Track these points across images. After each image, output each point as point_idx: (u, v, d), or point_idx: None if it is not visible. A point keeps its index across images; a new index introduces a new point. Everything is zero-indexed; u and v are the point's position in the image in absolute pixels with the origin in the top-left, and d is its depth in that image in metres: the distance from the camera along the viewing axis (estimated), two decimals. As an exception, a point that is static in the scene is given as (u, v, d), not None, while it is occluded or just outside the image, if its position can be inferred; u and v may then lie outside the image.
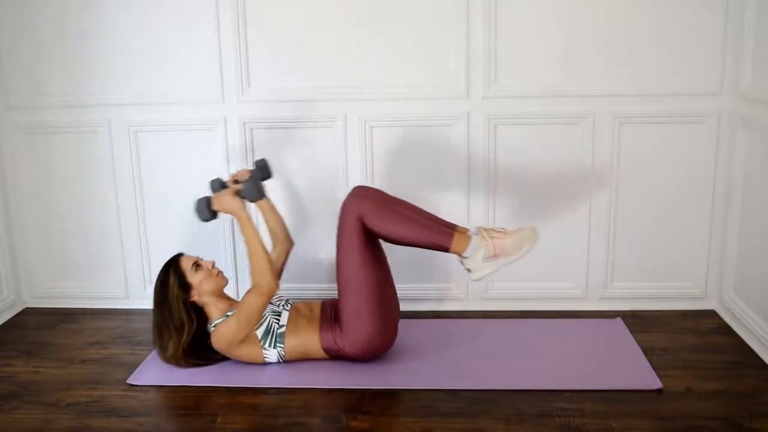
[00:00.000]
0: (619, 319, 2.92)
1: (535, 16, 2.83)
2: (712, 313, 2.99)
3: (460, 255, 2.47)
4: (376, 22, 2.88)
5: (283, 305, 2.66)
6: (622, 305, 3.05)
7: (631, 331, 2.81)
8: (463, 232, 2.53)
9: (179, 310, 2.55)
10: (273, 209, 2.83)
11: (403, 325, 2.72)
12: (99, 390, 2.51)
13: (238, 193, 2.60)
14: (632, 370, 2.52)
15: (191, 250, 2.77)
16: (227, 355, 2.59)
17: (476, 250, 2.44)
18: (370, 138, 2.99)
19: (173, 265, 2.60)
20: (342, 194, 3.02)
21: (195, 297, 2.58)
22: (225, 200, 2.57)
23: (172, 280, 2.57)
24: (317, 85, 2.95)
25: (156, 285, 2.60)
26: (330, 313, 2.60)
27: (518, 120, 2.92)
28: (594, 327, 2.88)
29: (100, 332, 2.99)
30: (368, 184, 3.01)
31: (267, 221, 2.84)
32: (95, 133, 3.08)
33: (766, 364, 2.57)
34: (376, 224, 2.46)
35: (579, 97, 2.88)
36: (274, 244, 2.83)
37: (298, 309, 2.66)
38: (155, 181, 3.11)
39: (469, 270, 2.48)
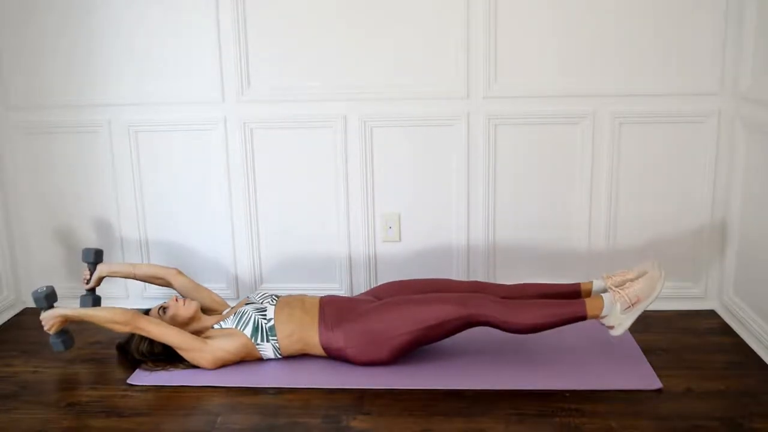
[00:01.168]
0: (619, 319, 2.92)
1: (535, 16, 2.83)
2: (712, 313, 2.99)
3: (599, 318, 2.47)
4: (377, 22, 2.88)
5: (268, 301, 2.66)
6: (622, 305, 3.05)
7: (631, 331, 2.80)
8: (588, 289, 2.57)
9: (154, 351, 2.61)
10: (125, 267, 2.88)
11: (403, 325, 2.72)
12: (99, 390, 2.51)
13: (81, 304, 2.79)
14: (632, 370, 2.52)
15: (192, 249, 2.78)
16: (224, 363, 2.59)
17: (612, 307, 2.44)
18: (370, 138, 2.99)
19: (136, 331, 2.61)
20: (341, 195, 3.03)
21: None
22: (44, 318, 2.61)
23: (143, 337, 2.58)
24: (317, 85, 2.95)
25: (141, 349, 2.60)
26: (334, 313, 2.59)
27: (518, 120, 2.92)
28: (594, 327, 2.87)
29: (100, 332, 2.97)
30: (365, 184, 3.02)
31: (134, 278, 2.89)
32: (95, 133, 3.08)
33: (766, 364, 2.57)
34: (507, 323, 2.46)
35: (579, 97, 2.88)
36: (165, 284, 2.88)
37: (288, 302, 2.65)
38: (155, 181, 3.11)
39: (611, 327, 2.47)
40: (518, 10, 2.83)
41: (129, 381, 2.55)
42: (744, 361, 2.59)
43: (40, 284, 3.26)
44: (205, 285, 2.94)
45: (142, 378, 2.57)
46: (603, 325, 2.50)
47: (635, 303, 2.43)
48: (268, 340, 2.57)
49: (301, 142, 3.02)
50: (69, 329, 2.69)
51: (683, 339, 2.77)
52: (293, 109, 2.98)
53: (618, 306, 2.44)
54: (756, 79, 2.68)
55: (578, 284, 2.65)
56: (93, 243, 3.17)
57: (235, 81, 2.97)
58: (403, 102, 2.94)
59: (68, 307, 2.67)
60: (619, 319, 2.45)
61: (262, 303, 2.65)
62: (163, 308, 2.65)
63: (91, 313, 2.58)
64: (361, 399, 2.39)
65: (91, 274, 2.85)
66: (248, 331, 2.57)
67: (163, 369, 2.59)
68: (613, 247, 3.01)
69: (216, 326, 2.62)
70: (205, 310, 2.79)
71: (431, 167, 3.00)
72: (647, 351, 2.65)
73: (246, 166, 3.04)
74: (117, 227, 3.16)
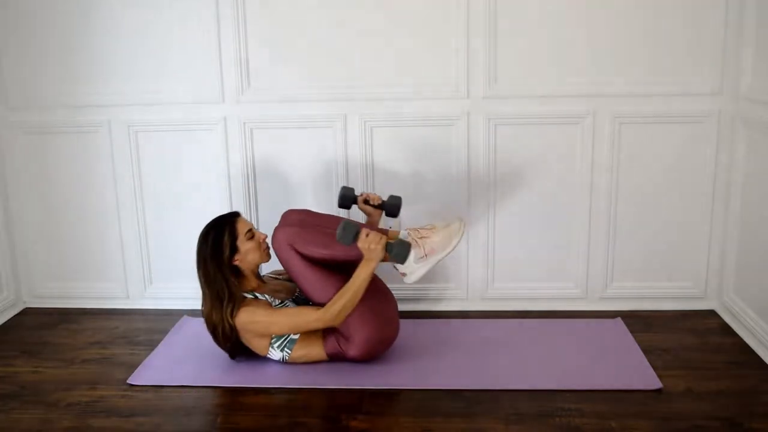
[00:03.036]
0: (619, 319, 2.92)
1: (535, 17, 2.83)
2: (712, 313, 2.99)
3: (393, 262, 2.49)
4: (377, 22, 2.88)
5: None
6: (622, 305, 3.05)
7: (631, 331, 2.81)
8: (394, 237, 2.54)
9: (226, 268, 2.53)
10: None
11: (403, 325, 2.72)
12: (99, 390, 2.52)
13: (387, 246, 2.46)
14: (632, 370, 2.52)
15: (192, 248, 2.76)
16: (239, 333, 2.54)
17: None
18: (370, 138, 2.99)
19: (229, 224, 2.57)
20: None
21: (237, 262, 2.56)
22: (373, 249, 2.43)
23: (226, 238, 2.53)
24: (317, 85, 2.95)
25: (206, 238, 2.54)
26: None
27: (518, 120, 2.92)
28: (594, 327, 2.88)
29: (100, 332, 2.99)
30: (365, 184, 3.02)
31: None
32: (95, 133, 3.08)
33: (766, 364, 2.57)
34: (307, 249, 2.47)
35: (579, 97, 2.88)
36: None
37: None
38: (155, 181, 3.11)
39: (404, 274, 2.50)
40: (518, 11, 2.83)
41: (129, 381, 2.55)
42: (744, 361, 2.59)
43: (40, 284, 3.27)
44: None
45: (142, 378, 2.57)
46: (396, 269, 2.51)
47: (429, 254, 2.46)
48: (282, 350, 2.57)
49: (301, 142, 3.02)
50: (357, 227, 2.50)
51: (683, 339, 2.77)
52: (293, 109, 2.98)
53: (413, 254, 2.45)
54: (756, 79, 2.68)
55: (386, 229, 2.62)
56: (93, 243, 3.18)
57: (235, 81, 2.97)
58: (403, 102, 2.94)
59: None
60: (412, 268, 2.47)
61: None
62: (251, 233, 2.58)
63: (368, 280, 2.46)
64: (361, 399, 2.39)
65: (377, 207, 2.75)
66: None
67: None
68: (613, 246, 3.01)
69: (259, 295, 2.57)
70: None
71: (431, 167, 3.00)
72: (647, 351, 2.65)
73: (245, 166, 3.04)
74: (117, 227, 3.16)
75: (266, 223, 3.10)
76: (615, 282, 3.06)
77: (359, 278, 2.45)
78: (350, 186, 2.88)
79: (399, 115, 2.95)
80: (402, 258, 2.45)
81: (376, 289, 2.59)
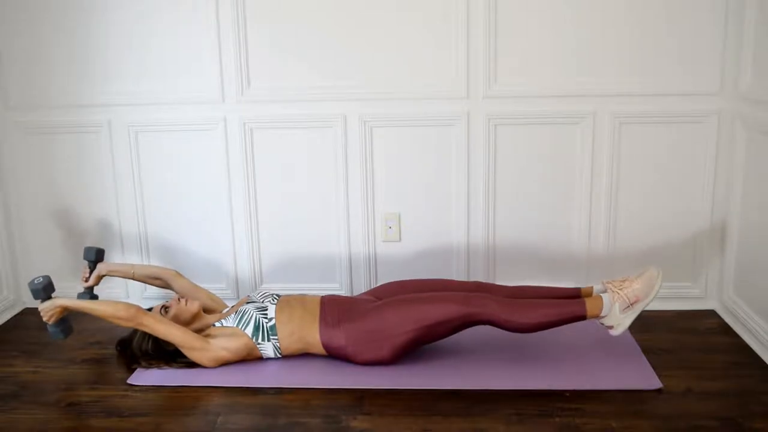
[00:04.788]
0: (619, 319, 2.92)
1: (535, 16, 2.83)
2: (712, 313, 2.99)
3: (598, 318, 2.49)
4: (376, 22, 2.88)
5: (269, 300, 2.66)
6: (622, 305, 3.05)
7: (631, 331, 2.80)
8: (589, 292, 2.58)
9: (174, 351, 2.60)
10: (124, 267, 2.88)
11: (403, 325, 2.72)
12: (99, 390, 2.51)
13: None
14: (632, 370, 2.52)
15: (192, 248, 2.78)
16: (225, 362, 2.60)
17: (611, 307, 2.46)
18: (370, 138, 2.99)
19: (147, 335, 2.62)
20: (341, 195, 3.03)
21: None
22: (43, 308, 2.59)
23: (148, 334, 2.59)
24: (317, 85, 2.95)
25: (144, 347, 2.60)
26: (335, 312, 2.58)
27: (518, 120, 2.92)
28: (594, 327, 2.87)
29: (100, 332, 2.98)
30: (365, 183, 3.02)
31: (133, 278, 2.89)
32: (95, 133, 3.08)
33: (766, 364, 2.57)
34: (509, 322, 2.47)
35: (579, 97, 2.88)
36: (163, 285, 2.88)
37: (288, 301, 2.66)
38: (155, 181, 3.11)
39: (611, 327, 2.49)
40: (518, 10, 2.83)
41: (129, 381, 2.55)
42: (744, 361, 2.59)
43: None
44: (205, 285, 2.95)
45: (142, 378, 2.57)
46: (602, 325, 2.51)
47: (634, 303, 2.46)
48: (269, 340, 2.57)
49: (301, 142, 3.02)
50: (68, 317, 2.68)
51: (683, 339, 2.77)
52: (293, 109, 2.98)
53: (617, 306, 2.46)
54: (756, 79, 2.68)
55: (578, 289, 2.66)
56: (93, 243, 3.16)
57: (235, 81, 2.97)
58: (403, 102, 2.94)
59: (68, 298, 2.66)
60: (618, 319, 2.47)
61: (263, 302, 2.65)
62: (165, 307, 2.65)
63: (92, 306, 2.56)
64: (361, 399, 2.39)
65: (90, 273, 2.85)
66: (249, 330, 2.57)
67: (158, 367, 2.59)
68: (613, 246, 3.01)
69: (217, 324, 2.62)
70: (205, 310, 2.79)
71: (431, 167, 3.00)
72: (647, 351, 2.65)
73: (246, 166, 3.04)
74: (117, 227, 3.16)
75: (266, 223, 3.11)
76: (615, 282, 3.06)
77: (89, 312, 2.57)
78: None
79: (399, 115, 2.95)
80: (55, 333, 2.65)
81: (428, 335, 2.56)
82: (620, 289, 2.47)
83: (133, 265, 2.90)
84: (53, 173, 3.14)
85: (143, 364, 2.61)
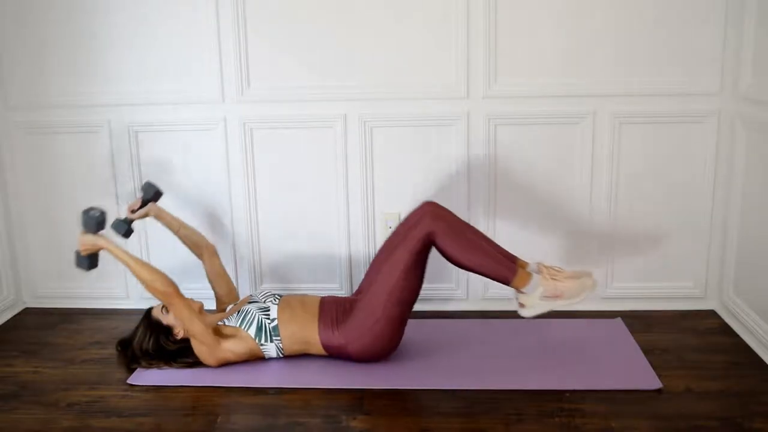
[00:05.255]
0: (619, 319, 2.92)
1: (535, 16, 2.83)
2: (712, 313, 2.99)
3: (518, 290, 2.49)
4: (376, 22, 2.88)
5: (271, 300, 2.66)
6: (622, 305, 3.05)
7: (631, 331, 2.81)
8: (524, 266, 2.55)
9: (175, 351, 2.61)
10: (174, 220, 2.86)
11: (403, 325, 2.73)
12: (99, 390, 2.52)
13: (112, 226, 2.66)
14: (632, 370, 2.52)
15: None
16: (227, 363, 2.60)
17: (535, 288, 2.46)
18: (370, 138, 2.99)
19: (145, 321, 2.63)
20: (341, 195, 3.04)
21: (180, 334, 2.60)
22: (84, 240, 2.57)
23: (148, 337, 2.59)
24: (317, 85, 2.95)
25: (145, 346, 2.60)
26: (333, 313, 2.59)
27: (518, 120, 2.92)
28: (594, 327, 2.88)
29: (100, 332, 2.99)
30: (364, 183, 3.02)
31: (176, 233, 2.87)
32: (95, 133, 3.08)
33: (766, 364, 2.57)
34: (446, 244, 2.47)
35: (579, 97, 2.88)
36: (198, 254, 2.87)
37: (289, 301, 2.66)
38: (155, 181, 3.10)
39: (522, 305, 2.49)
40: (518, 10, 2.83)
41: (129, 381, 2.55)
42: (744, 361, 2.59)
43: (40, 284, 3.27)
44: (205, 285, 2.93)
45: (142, 378, 2.57)
46: (517, 298, 2.51)
47: (557, 297, 2.45)
48: (271, 340, 2.57)
49: (301, 142, 3.02)
50: (99, 254, 2.65)
51: (683, 339, 2.77)
52: (293, 109, 2.98)
53: (540, 290, 2.45)
54: (756, 79, 2.68)
55: (515, 257, 2.61)
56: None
57: (235, 81, 2.97)
58: (403, 102, 2.94)
59: (113, 242, 2.59)
60: (534, 302, 2.47)
61: (264, 302, 2.65)
62: (166, 308, 2.65)
63: (131, 263, 2.52)
64: (361, 399, 2.39)
65: (140, 207, 2.80)
66: (252, 331, 2.57)
67: (158, 367, 2.60)
68: (613, 246, 3.01)
69: (219, 323, 2.62)
70: (217, 299, 2.82)
71: (431, 167, 3.00)
72: (647, 351, 2.65)
73: (246, 166, 3.04)
74: (117, 227, 3.17)
75: (266, 223, 3.11)
76: (615, 282, 3.06)
77: (122, 262, 2.55)
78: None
79: (399, 115, 2.95)
80: (119, 229, 2.63)
81: (410, 307, 2.58)
82: (553, 278, 2.46)
83: (180, 224, 2.86)
84: (53, 173, 3.14)
85: (143, 364, 2.61)
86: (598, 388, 2.40)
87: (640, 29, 2.81)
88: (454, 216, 2.57)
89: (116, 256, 2.56)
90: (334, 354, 2.58)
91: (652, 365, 2.54)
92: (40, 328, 3.06)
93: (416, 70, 2.91)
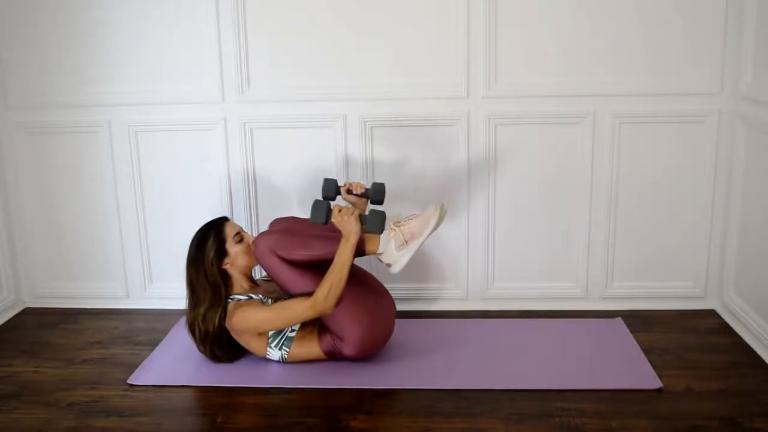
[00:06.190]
0: (619, 319, 2.92)
1: (535, 16, 2.83)
2: (712, 313, 2.99)
3: (376, 255, 2.51)
4: (377, 22, 2.88)
5: None
6: (622, 305, 3.05)
7: (631, 331, 2.81)
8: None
9: (213, 273, 2.56)
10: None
11: (402, 325, 2.73)
12: (99, 390, 2.52)
13: (360, 218, 2.46)
14: (632, 370, 2.52)
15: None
16: (235, 335, 2.57)
17: (387, 243, 2.48)
18: (370, 138, 2.99)
19: (216, 228, 2.60)
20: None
21: (227, 266, 2.59)
22: (346, 221, 2.42)
23: (211, 242, 2.57)
24: (317, 85, 2.95)
25: (193, 242, 2.59)
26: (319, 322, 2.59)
27: (518, 120, 2.92)
28: (594, 327, 2.88)
29: (100, 332, 2.99)
30: (364, 184, 3.02)
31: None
32: (95, 133, 3.08)
33: (766, 364, 2.57)
34: (288, 253, 2.48)
35: (579, 97, 2.88)
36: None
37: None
38: (155, 181, 3.11)
39: (389, 265, 2.51)
40: (518, 10, 2.83)
41: (129, 381, 2.55)
42: (744, 361, 2.59)
43: (40, 284, 3.27)
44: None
45: (142, 378, 2.57)
46: (382, 262, 2.52)
47: (409, 240, 2.46)
48: (280, 348, 2.57)
49: (301, 142, 3.02)
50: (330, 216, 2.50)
51: (683, 339, 2.77)
52: (293, 109, 2.98)
53: (393, 243, 2.47)
54: (756, 79, 2.68)
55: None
56: (93, 243, 3.18)
57: (235, 81, 2.97)
58: (403, 102, 2.94)
59: (354, 242, 2.46)
60: (394, 257, 2.49)
61: None
62: (240, 236, 2.61)
63: (346, 271, 2.44)
64: (361, 399, 2.39)
65: (361, 196, 2.69)
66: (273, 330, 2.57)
67: (202, 348, 2.58)
68: (613, 246, 3.01)
69: (253, 295, 2.60)
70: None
71: (431, 167, 3.00)
72: (647, 351, 2.65)
73: (246, 166, 3.04)
74: (117, 227, 3.16)
75: (266, 223, 3.10)
76: (615, 282, 3.06)
77: (341, 256, 2.45)
78: (333, 178, 2.80)
79: (399, 115, 2.95)
80: (378, 227, 2.44)
81: (369, 288, 2.60)
82: (398, 227, 2.48)
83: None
84: (53, 173, 3.14)
85: (202, 343, 2.57)
86: (598, 388, 2.40)
87: (640, 29, 2.81)
88: (284, 222, 2.63)
89: (342, 254, 2.45)
90: (335, 357, 2.58)
91: (652, 365, 2.54)
92: (40, 328, 3.06)
93: (416, 70, 2.91)
